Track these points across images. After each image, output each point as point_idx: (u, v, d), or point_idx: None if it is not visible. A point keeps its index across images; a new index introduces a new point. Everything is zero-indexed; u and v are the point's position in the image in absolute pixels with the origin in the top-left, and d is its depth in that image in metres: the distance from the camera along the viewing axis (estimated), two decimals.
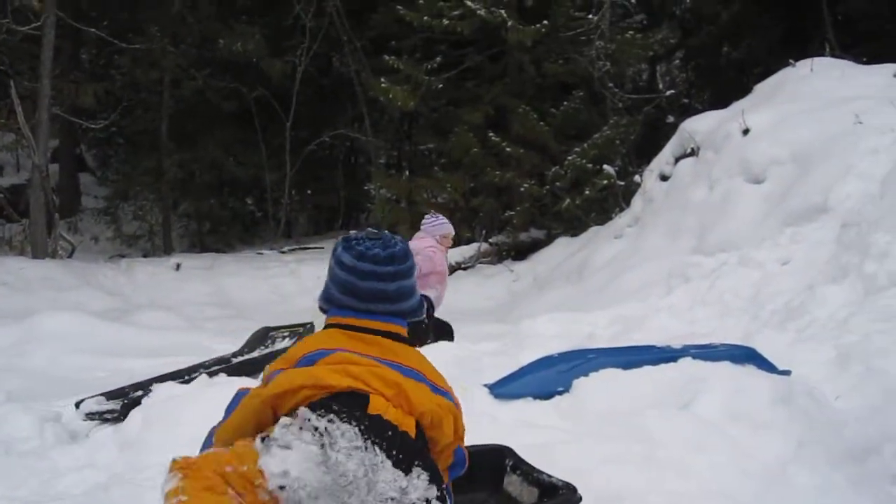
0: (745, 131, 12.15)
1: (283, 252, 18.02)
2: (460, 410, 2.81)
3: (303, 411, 2.43)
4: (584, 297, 11.35)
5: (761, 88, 14.14)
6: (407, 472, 2.44)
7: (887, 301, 6.99)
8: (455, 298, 14.11)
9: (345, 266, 2.72)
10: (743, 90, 15.01)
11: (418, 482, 2.45)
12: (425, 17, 16.18)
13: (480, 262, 16.27)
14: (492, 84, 17.24)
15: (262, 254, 18.07)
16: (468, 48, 17.39)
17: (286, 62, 19.69)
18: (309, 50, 19.49)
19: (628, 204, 14.55)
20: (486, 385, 5.85)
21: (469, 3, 15.86)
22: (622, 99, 17.69)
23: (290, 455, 2.34)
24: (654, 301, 9.55)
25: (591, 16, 16.43)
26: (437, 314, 8.41)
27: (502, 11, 15.70)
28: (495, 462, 4.01)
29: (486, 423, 5.39)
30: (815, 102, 12.17)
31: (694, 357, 5.23)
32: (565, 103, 16.72)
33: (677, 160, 13.49)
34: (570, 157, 15.86)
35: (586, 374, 5.11)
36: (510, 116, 16.70)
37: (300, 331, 7.98)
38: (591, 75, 16.37)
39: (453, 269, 15.45)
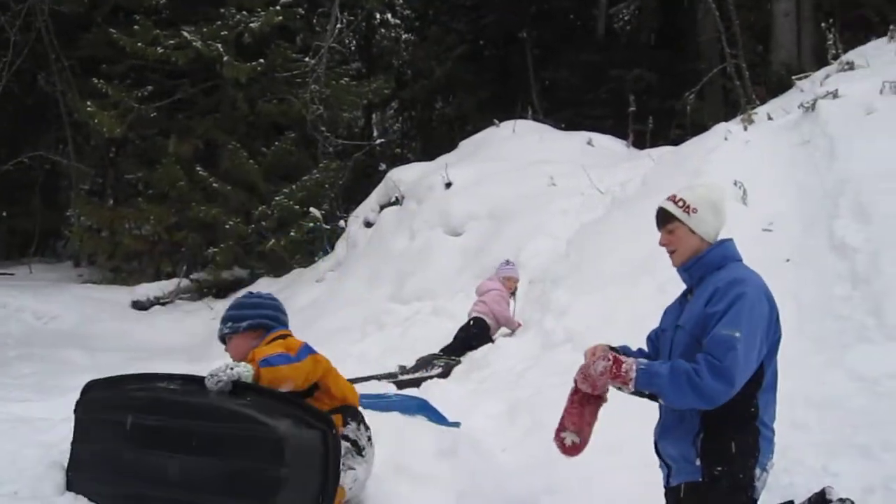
0: (448, 185, 12.52)
1: None
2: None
3: None
4: None
5: (466, 145, 14.66)
6: None
7: (562, 356, 7.23)
8: (151, 335, 13.62)
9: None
10: (452, 144, 15.49)
11: None
12: (139, 44, 15.65)
13: (180, 298, 15.78)
14: (203, 117, 16.90)
15: None
16: (182, 79, 16.99)
17: None
18: (12, 65, 18.31)
19: (333, 248, 14.59)
20: None
21: (186, 34, 15.52)
22: (333, 143, 17.79)
23: None
24: (345, 347, 9.53)
25: (308, 59, 16.47)
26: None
27: (219, 45, 15.45)
28: None
29: None
30: (514, 162, 12.72)
31: (365, 406, 5.21)
32: (277, 143, 16.63)
33: (382, 208, 13.70)
34: (277, 198, 15.77)
35: None
36: (220, 152, 16.44)
37: (451, 362, 8.61)
38: (304, 118, 16.35)
39: (151, 303, 15.21)
